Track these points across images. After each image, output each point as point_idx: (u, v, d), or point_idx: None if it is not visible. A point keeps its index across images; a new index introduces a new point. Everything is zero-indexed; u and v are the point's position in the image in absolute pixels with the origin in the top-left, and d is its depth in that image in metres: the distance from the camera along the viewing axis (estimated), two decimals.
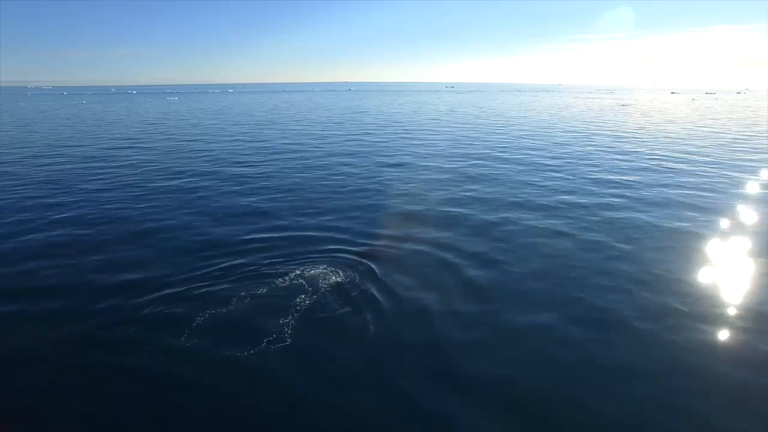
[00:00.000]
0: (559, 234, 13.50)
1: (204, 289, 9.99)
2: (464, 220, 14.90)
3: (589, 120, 52.88)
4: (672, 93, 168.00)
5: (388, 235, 13.51)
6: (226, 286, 10.14)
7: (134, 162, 26.07)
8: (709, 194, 18.09)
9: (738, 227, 14.29)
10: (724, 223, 14.62)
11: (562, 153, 28.53)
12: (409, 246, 12.58)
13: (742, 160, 26.17)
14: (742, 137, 36.69)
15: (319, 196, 18.05)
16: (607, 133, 39.50)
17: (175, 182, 20.54)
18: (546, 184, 19.84)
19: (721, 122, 50.76)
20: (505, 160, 25.85)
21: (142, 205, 16.85)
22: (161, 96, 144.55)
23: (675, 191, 18.58)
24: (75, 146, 32.40)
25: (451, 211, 15.87)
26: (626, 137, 36.43)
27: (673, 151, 29.47)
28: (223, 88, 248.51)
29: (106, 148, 31.33)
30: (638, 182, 20.18)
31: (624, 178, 21.07)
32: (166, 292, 9.92)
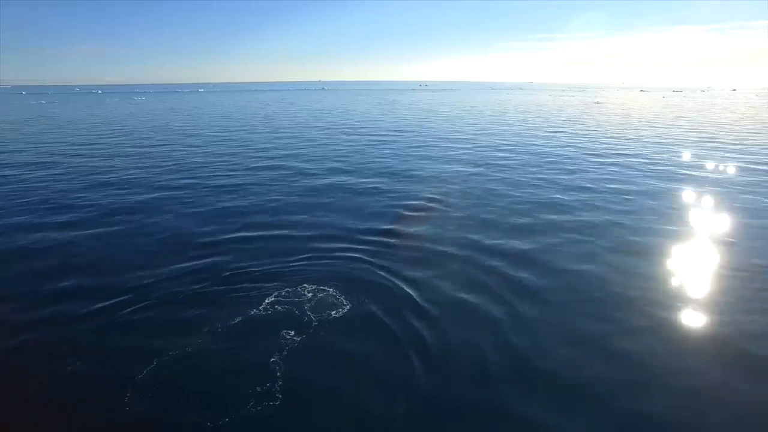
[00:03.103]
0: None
1: (168, 316, 8.33)
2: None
3: (572, 119, 52.44)
4: (641, 91, 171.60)
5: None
6: (197, 310, 8.41)
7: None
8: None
9: None
10: None
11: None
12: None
13: None
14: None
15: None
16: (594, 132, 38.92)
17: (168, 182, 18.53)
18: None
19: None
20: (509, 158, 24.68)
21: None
22: (128, 96, 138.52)
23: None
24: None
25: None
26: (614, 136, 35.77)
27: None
28: (194, 88, 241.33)
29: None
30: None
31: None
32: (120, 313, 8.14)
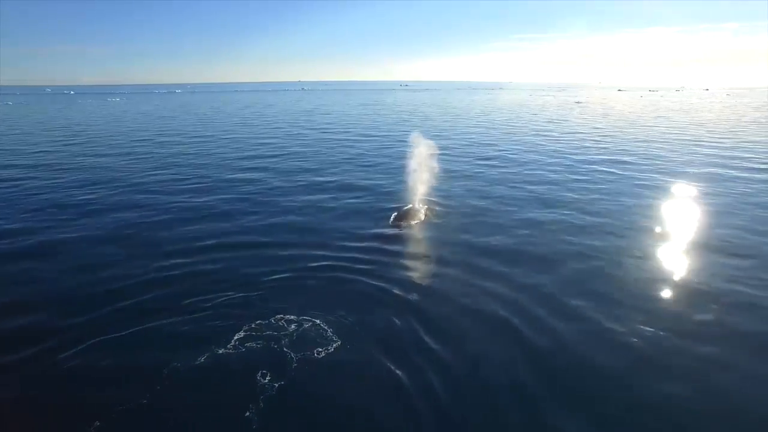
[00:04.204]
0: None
1: (119, 357, 6.96)
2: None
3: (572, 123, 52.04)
4: (619, 90, 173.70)
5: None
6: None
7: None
8: None
9: None
10: None
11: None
12: None
13: None
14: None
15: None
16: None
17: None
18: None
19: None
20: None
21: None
22: (102, 97, 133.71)
23: None
24: None
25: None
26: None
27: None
28: (171, 89, 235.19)
29: None
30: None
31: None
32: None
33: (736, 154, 26.41)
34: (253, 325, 7.68)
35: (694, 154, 26.58)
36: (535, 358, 7.12)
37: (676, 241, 12.34)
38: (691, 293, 9.33)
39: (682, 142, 31.27)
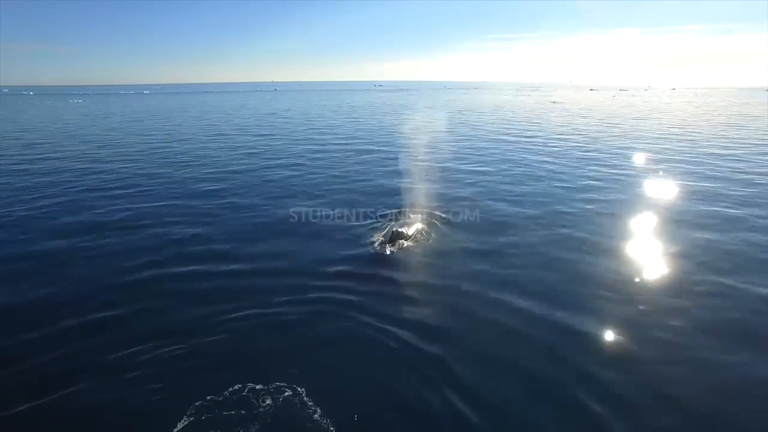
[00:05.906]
0: None
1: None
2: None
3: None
4: (591, 90, 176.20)
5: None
6: None
7: None
8: None
9: None
10: None
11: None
12: None
13: None
14: None
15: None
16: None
17: None
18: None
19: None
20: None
21: None
22: (63, 98, 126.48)
23: None
24: None
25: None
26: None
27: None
28: (138, 89, 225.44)
29: None
30: None
31: None
32: None
33: None
34: (203, 403, 5.42)
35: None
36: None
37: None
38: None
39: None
